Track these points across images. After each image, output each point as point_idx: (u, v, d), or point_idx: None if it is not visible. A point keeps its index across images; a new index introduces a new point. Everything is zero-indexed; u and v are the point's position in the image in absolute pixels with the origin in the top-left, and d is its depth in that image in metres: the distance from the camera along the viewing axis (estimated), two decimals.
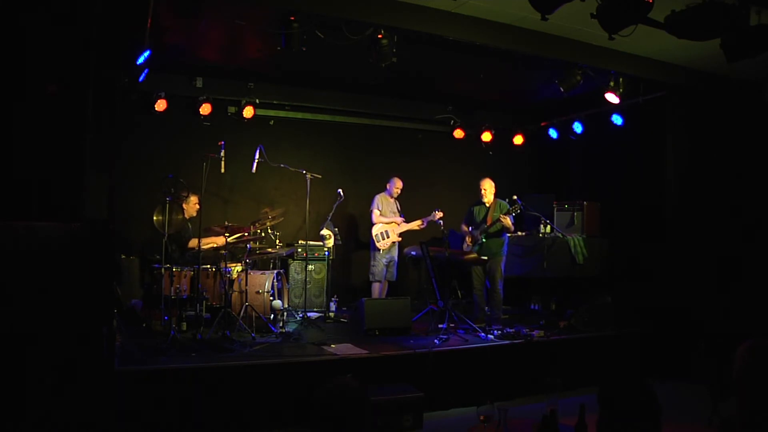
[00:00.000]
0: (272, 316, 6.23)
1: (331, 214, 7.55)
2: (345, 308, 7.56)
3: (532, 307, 7.97)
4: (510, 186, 7.45)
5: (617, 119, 7.50)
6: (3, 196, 4.10)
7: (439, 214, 7.34)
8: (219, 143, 6.03)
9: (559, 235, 7.47)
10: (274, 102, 7.96)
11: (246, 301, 5.90)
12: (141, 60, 5.35)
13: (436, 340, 5.66)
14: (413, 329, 6.20)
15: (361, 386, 2.14)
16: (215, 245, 6.13)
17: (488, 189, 6.85)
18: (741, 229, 6.51)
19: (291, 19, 5.07)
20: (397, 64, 5.45)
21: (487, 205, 6.89)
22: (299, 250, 7.52)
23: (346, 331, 6.35)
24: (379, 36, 5.26)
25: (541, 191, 8.77)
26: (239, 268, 6.18)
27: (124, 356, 4.64)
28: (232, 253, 6.34)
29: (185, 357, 4.83)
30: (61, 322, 3.93)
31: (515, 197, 6.84)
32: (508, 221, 6.55)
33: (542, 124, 8.99)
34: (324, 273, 7.63)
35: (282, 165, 6.96)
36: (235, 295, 6.05)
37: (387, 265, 7.48)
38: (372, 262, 7.52)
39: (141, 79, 5.88)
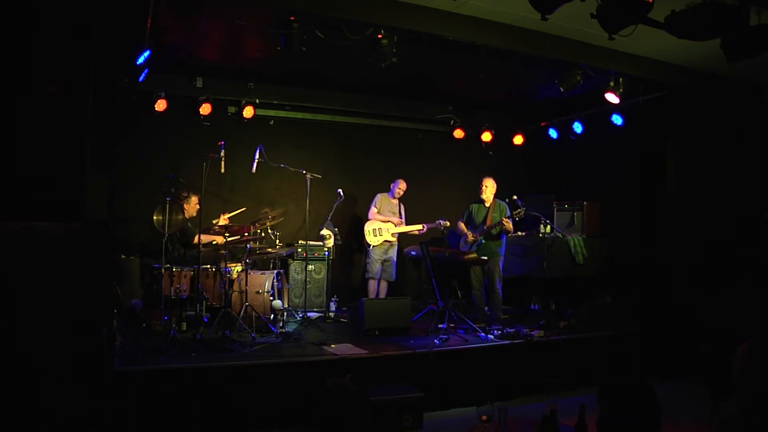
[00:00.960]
0: (272, 316, 6.23)
1: (331, 214, 7.55)
2: (345, 308, 7.56)
3: (532, 307, 7.97)
4: (510, 186, 7.45)
5: (617, 119, 7.50)
6: (3, 195, 4.10)
7: (445, 224, 7.21)
8: (219, 143, 6.03)
9: (559, 235, 7.47)
10: (274, 102, 7.96)
11: (246, 301, 5.90)
12: (141, 60, 5.35)
13: (436, 340, 5.66)
14: (413, 329, 6.19)
15: (360, 387, 2.14)
16: (216, 241, 6.14)
17: (489, 187, 6.85)
18: (741, 229, 6.51)
19: (291, 19, 5.07)
20: (397, 64, 5.45)
21: (487, 204, 6.88)
22: (299, 250, 7.52)
23: (346, 331, 6.35)
24: (379, 36, 5.26)
25: (541, 191, 8.77)
26: (239, 268, 6.18)
27: (124, 356, 4.63)
28: (232, 253, 6.34)
29: (185, 357, 4.83)
30: (61, 322, 3.93)
31: (515, 197, 6.84)
32: (509, 224, 6.55)
33: (542, 124, 8.99)
34: (324, 273, 7.63)
35: (282, 165, 6.96)
36: (235, 295, 6.05)
37: (383, 265, 7.46)
38: (367, 260, 7.54)
39: (141, 79, 5.87)
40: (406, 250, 8.10)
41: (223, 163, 6.04)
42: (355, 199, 8.28)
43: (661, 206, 7.04)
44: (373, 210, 7.53)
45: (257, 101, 7.65)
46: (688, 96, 6.79)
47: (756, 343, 2.16)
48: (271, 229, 6.59)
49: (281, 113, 8.12)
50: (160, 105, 7.13)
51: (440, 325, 6.15)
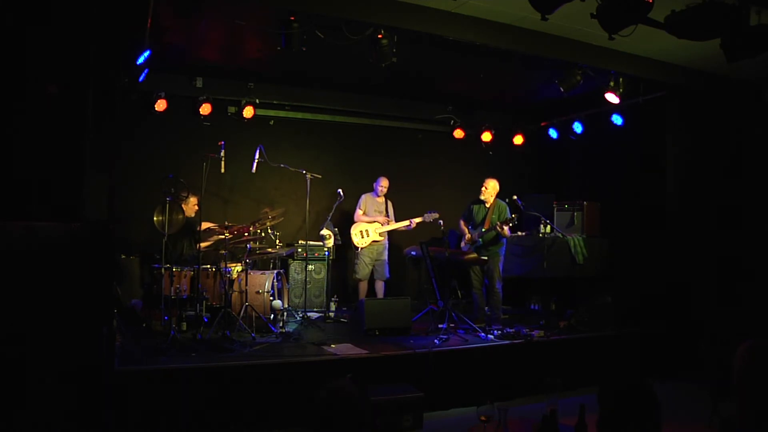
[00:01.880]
0: (272, 316, 6.23)
1: (331, 214, 7.55)
2: (345, 308, 7.56)
3: (532, 307, 7.97)
4: (510, 186, 7.45)
5: (617, 119, 7.51)
6: (3, 196, 4.10)
7: (434, 216, 7.22)
8: (219, 143, 6.03)
9: (559, 235, 7.47)
10: (274, 102, 7.96)
11: (246, 301, 5.90)
12: (141, 60, 5.35)
13: (436, 340, 5.66)
14: (413, 329, 6.19)
15: (360, 388, 2.14)
16: (216, 239, 6.14)
17: (489, 188, 6.83)
18: (741, 229, 6.51)
19: (291, 19, 5.07)
20: (397, 64, 5.45)
21: (487, 205, 6.88)
22: (299, 250, 7.52)
23: (346, 331, 6.34)
24: (379, 36, 5.25)
25: (541, 191, 8.77)
26: (239, 268, 6.18)
27: (124, 356, 4.63)
28: (232, 253, 6.34)
29: (185, 357, 4.83)
30: (61, 322, 3.93)
31: (515, 197, 6.84)
32: (505, 231, 6.54)
33: (542, 124, 9.00)
34: (324, 273, 7.63)
35: (282, 165, 6.96)
36: (235, 295, 6.05)
37: (375, 265, 7.45)
38: (356, 261, 7.50)
39: (141, 79, 5.88)
40: (406, 250, 8.10)
41: (223, 163, 6.05)
42: (355, 199, 8.28)
43: (661, 206, 7.04)
44: (359, 212, 7.49)
45: (257, 101, 7.64)
46: (688, 96, 6.79)
47: (756, 343, 2.16)
48: (271, 229, 6.58)
49: (281, 113, 8.12)
50: (160, 105, 7.12)
51: (440, 325, 6.14)
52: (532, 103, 8.77)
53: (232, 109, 7.77)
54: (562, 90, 6.34)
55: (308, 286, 7.35)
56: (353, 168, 8.52)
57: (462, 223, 7.03)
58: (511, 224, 6.53)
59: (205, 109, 7.37)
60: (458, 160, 9.09)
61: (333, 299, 7.48)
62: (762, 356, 2.11)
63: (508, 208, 6.86)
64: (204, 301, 5.93)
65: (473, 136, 8.95)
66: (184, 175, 5.89)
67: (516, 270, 7.51)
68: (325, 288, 7.59)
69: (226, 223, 6.34)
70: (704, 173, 6.77)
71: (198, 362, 4.71)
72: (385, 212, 7.55)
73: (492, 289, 6.79)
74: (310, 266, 7.51)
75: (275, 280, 6.33)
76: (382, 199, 7.59)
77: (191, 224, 6.12)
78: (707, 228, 6.67)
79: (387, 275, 7.53)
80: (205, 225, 6.10)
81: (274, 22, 5.24)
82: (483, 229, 6.73)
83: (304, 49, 5.19)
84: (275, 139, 7.74)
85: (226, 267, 6.02)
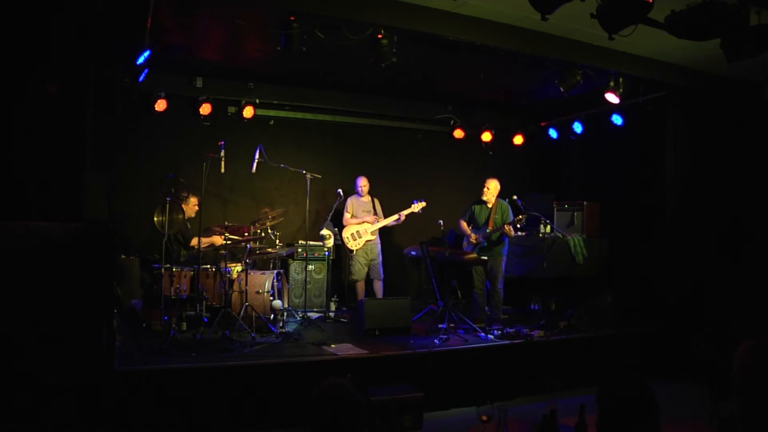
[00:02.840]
0: (272, 316, 6.23)
1: (331, 214, 7.55)
2: (345, 308, 7.55)
3: (532, 307, 7.96)
4: (510, 186, 7.45)
5: (617, 119, 7.51)
6: (3, 196, 4.11)
7: (421, 204, 7.24)
8: (219, 143, 6.03)
9: (559, 235, 7.47)
10: (274, 102, 7.96)
11: (246, 301, 5.90)
12: (141, 60, 5.35)
13: (436, 340, 5.66)
14: (413, 329, 6.19)
15: (357, 386, 2.14)
16: (214, 244, 6.14)
17: (491, 189, 6.83)
18: (741, 229, 6.51)
19: (291, 19, 5.07)
20: (397, 64, 5.45)
21: (489, 205, 6.88)
22: (299, 250, 7.51)
23: (346, 331, 6.34)
24: (379, 36, 5.25)
25: (541, 191, 8.77)
26: (239, 268, 6.18)
27: (124, 356, 4.64)
28: (232, 253, 6.34)
29: (185, 357, 4.83)
30: (60, 322, 3.93)
31: (515, 197, 6.84)
32: (510, 231, 6.54)
33: (542, 124, 9.00)
34: (324, 273, 7.63)
35: (282, 165, 6.97)
36: (235, 295, 6.05)
37: (370, 265, 7.43)
38: (351, 262, 7.48)
39: (141, 79, 5.88)
40: (406, 250, 8.09)
41: (223, 163, 6.05)
42: None
43: (661, 206, 7.04)
44: (347, 216, 7.46)
45: (257, 101, 7.64)
46: (688, 96, 6.79)
47: (756, 343, 2.15)
48: (271, 229, 6.58)
49: (281, 113, 8.12)
50: (160, 105, 7.12)
51: (440, 325, 6.14)
52: (532, 103, 8.76)
53: (232, 109, 7.77)
54: (562, 90, 6.33)
55: (308, 286, 7.35)
56: (353, 168, 8.50)
57: (463, 223, 7.02)
58: (519, 225, 6.54)
59: (205, 109, 7.36)
60: (458, 160, 9.09)
61: (333, 299, 7.48)
62: (762, 356, 2.11)
63: (510, 208, 6.86)
64: (204, 301, 5.92)
65: (473, 136, 8.95)
66: (184, 175, 5.89)
67: (516, 270, 7.51)
68: (325, 288, 7.59)
69: (226, 223, 6.33)
70: (704, 173, 6.77)
71: (198, 362, 4.71)
72: (373, 211, 7.54)
73: (494, 290, 6.80)
74: (310, 266, 7.51)
75: (275, 280, 6.33)
76: (367, 198, 7.56)
77: (183, 230, 6.11)
78: (707, 228, 6.67)
79: (382, 274, 7.52)
80: (205, 241, 6.09)
81: (274, 22, 5.24)
82: (488, 230, 6.73)
83: (304, 49, 5.19)
84: (275, 139, 7.74)
85: (226, 267, 6.02)
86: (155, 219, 5.51)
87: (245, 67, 7.22)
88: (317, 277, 7.63)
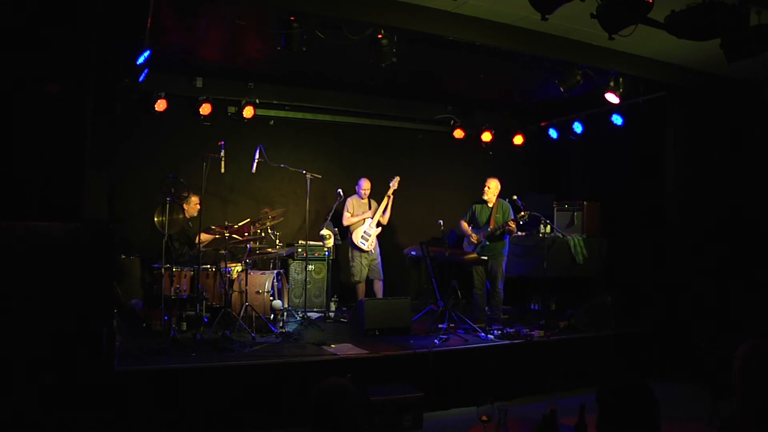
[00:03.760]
0: (272, 316, 6.23)
1: (330, 214, 7.55)
2: (345, 308, 7.55)
3: (532, 307, 7.96)
4: (510, 186, 7.45)
5: (617, 119, 7.50)
6: (3, 196, 4.11)
7: (396, 180, 7.31)
8: (219, 143, 6.03)
9: (559, 235, 7.47)
10: (274, 102, 7.96)
11: (246, 301, 5.90)
12: (141, 60, 5.35)
13: (436, 340, 5.66)
14: (413, 329, 6.19)
15: (355, 386, 2.14)
16: (216, 237, 6.14)
17: (491, 188, 6.84)
18: (741, 229, 6.51)
19: (291, 19, 5.07)
20: (397, 64, 5.45)
21: (490, 205, 6.88)
22: (299, 250, 7.51)
23: (346, 331, 6.34)
24: (379, 36, 5.25)
25: (541, 191, 8.76)
26: (239, 268, 6.18)
27: (124, 356, 4.64)
28: (232, 253, 6.34)
29: (185, 357, 4.83)
30: (61, 322, 3.93)
31: (515, 197, 6.84)
32: (513, 226, 6.54)
33: (542, 124, 8.99)
34: (324, 273, 7.63)
35: (282, 165, 6.97)
36: (235, 295, 6.05)
37: (368, 266, 7.41)
38: (351, 263, 7.46)
39: (141, 79, 5.87)
40: (406, 250, 8.08)
41: (223, 163, 6.05)
42: None
43: (661, 206, 7.04)
44: (347, 215, 7.45)
45: (257, 101, 7.64)
46: (688, 96, 6.79)
47: (756, 343, 2.16)
48: (271, 229, 6.58)
49: (281, 113, 8.12)
50: (160, 105, 7.12)
51: (440, 325, 6.15)
52: (532, 103, 8.76)
53: (232, 109, 7.77)
54: (562, 90, 6.33)
55: (308, 286, 7.36)
56: (353, 168, 8.51)
57: (464, 224, 7.02)
58: (522, 222, 6.53)
59: (205, 109, 7.36)
60: (458, 160, 9.08)
61: (333, 299, 7.48)
62: (762, 356, 2.11)
63: (510, 208, 6.87)
64: (204, 301, 5.93)
65: (473, 136, 8.94)
66: (184, 175, 5.89)
67: (516, 270, 7.51)
68: (325, 288, 7.59)
69: (226, 223, 6.34)
70: (704, 173, 6.77)
71: (198, 362, 4.71)
72: (369, 209, 7.52)
73: (495, 290, 6.80)
74: (310, 266, 7.51)
75: (275, 280, 6.33)
76: (365, 201, 7.56)
77: (185, 229, 6.11)
78: (707, 228, 6.66)
79: (382, 274, 7.53)
80: (205, 237, 6.10)
81: (274, 22, 5.23)
82: (489, 229, 6.73)
83: (304, 49, 5.19)
84: (275, 139, 7.73)
85: (226, 267, 6.02)
86: (155, 219, 5.52)
87: (245, 67, 7.22)
88: (317, 277, 7.63)
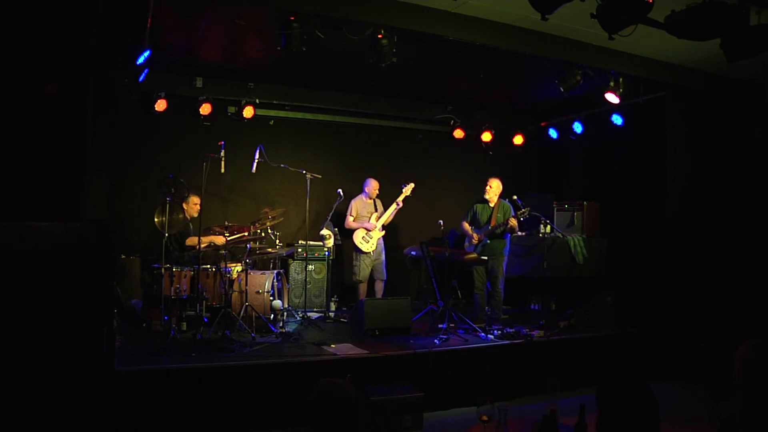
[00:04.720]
0: (272, 316, 6.23)
1: (330, 214, 7.55)
2: (345, 308, 7.55)
3: (532, 307, 7.97)
4: (510, 186, 7.45)
5: (617, 119, 7.50)
6: (3, 196, 4.11)
7: (410, 187, 7.29)
8: (219, 143, 6.03)
9: (559, 235, 7.47)
10: (274, 102, 7.96)
11: (246, 301, 5.90)
12: (141, 60, 5.35)
13: (436, 340, 5.66)
14: (413, 329, 6.19)
15: (355, 386, 2.14)
16: (214, 243, 6.14)
17: (493, 188, 6.84)
18: (741, 229, 6.51)
19: (291, 19, 5.07)
20: (397, 64, 5.45)
21: (491, 205, 6.88)
22: (299, 250, 7.51)
23: (346, 331, 6.34)
24: (379, 36, 5.26)
25: (541, 191, 8.77)
26: (239, 268, 6.18)
27: (124, 356, 4.64)
28: (232, 253, 6.34)
29: (185, 357, 4.83)
30: (61, 322, 3.93)
31: (515, 197, 6.84)
32: (515, 222, 6.54)
33: (542, 124, 9.00)
34: (324, 273, 7.63)
35: (282, 165, 6.97)
36: (235, 295, 6.05)
37: (374, 265, 7.42)
38: (354, 263, 7.46)
39: (141, 79, 5.88)
40: (406, 250, 8.08)
41: (223, 163, 6.04)
42: None
43: (661, 206, 7.04)
44: (349, 219, 7.44)
45: (257, 101, 7.64)
46: (688, 96, 6.79)
47: (756, 343, 2.16)
48: (271, 229, 6.58)
49: (281, 113, 8.12)
50: (160, 105, 7.12)
51: (440, 325, 6.15)
52: (532, 103, 8.77)
53: (232, 109, 7.77)
54: (562, 90, 6.34)
55: (308, 286, 7.35)
56: (353, 168, 8.52)
57: (466, 225, 7.02)
58: (522, 219, 6.53)
59: (205, 109, 7.37)
60: (458, 160, 9.09)
61: (333, 299, 7.48)
62: (762, 356, 2.11)
63: (511, 208, 6.87)
64: (204, 301, 5.92)
65: (473, 136, 8.95)
66: (184, 175, 5.89)
67: (516, 270, 7.51)
68: (325, 288, 7.59)
69: (226, 223, 6.34)
70: (704, 173, 6.77)
71: (198, 362, 4.71)
72: (375, 211, 7.52)
73: (495, 290, 6.80)
74: (310, 266, 7.51)
75: (275, 280, 6.33)
76: (371, 201, 7.55)
77: (182, 229, 6.11)
78: (707, 228, 6.67)
79: (385, 275, 7.52)
80: (204, 239, 6.09)
81: (274, 22, 5.24)
82: (491, 226, 6.72)
83: (304, 49, 5.19)
84: (275, 139, 7.73)
85: (226, 267, 6.02)
86: (155, 219, 5.51)
87: (245, 67, 7.22)
88: (317, 277, 7.63)
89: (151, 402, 4.30)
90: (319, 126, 8.43)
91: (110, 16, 4.50)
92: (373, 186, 7.50)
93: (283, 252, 7.07)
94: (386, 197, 7.76)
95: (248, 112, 7.57)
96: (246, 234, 6.23)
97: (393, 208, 7.39)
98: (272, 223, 6.44)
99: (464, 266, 7.02)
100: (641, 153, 7.61)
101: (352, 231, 7.45)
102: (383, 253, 7.49)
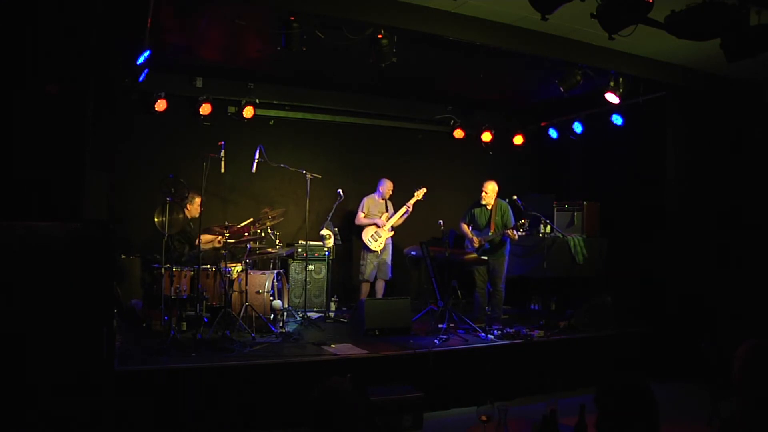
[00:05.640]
0: (272, 316, 6.23)
1: (331, 214, 7.55)
2: (345, 308, 7.56)
3: (532, 307, 7.97)
4: (510, 186, 7.45)
5: (617, 119, 7.50)
6: (3, 196, 4.10)
7: (422, 191, 7.29)
8: (219, 143, 6.03)
9: (559, 235, 7.47)
10: (274, 102, 7.96)
11: (246, 301, 5.90)
12: (141, 60, 5.35)
13: (436, 340, 5.66)
14: (413, 329, 6.20)
15: (355, 386, 2.14)
16: (216, 243, 6.14)
17: (489, 193, 6.83)
18: (741, 229, 6.51)
19: (291, 19, 5.07)
20: (397, 64, 5.45)
21: (489, 207, 6.87)
22: (299, 250, 7.52)
23: (346, 331, 6.35)
24: (379, 36, 5.25)
25: (541, 191, 8.77)
26: (239, 268, 6.18)
27: (124, 356, 4.64)
28: (232, 253, 6.34)
29: (185, 357, 4.83)
30: (61, 322, 3.92)
31: (515, 197, 6.84)
32: (514, 234, 6.54)
33: (542, 124, 8.99)
34: (324, 273, 7.63)
35: (282, 165, 6.97)
36: (235, 295, 6.05)
37: (379, 265, 7.43)
38: (362, 261, 7.47)
39: (141, 79, 5.88)
40: (406, 250, 8.08)
41: (223, 163, 6.04)
42: (355, 199, 8.26)
43: (661, 206, 7.04)
44: (360, 215, 7.46)
45: (257, 101, 7.64)
46: (688, 96, 6.79)
47: (756, 343, 2.16)
48: (271, 229, 6.59)
49: (281, 113, 8.12)
50: (160, 105, 7.12)
51: (440, 325, 6.15)
52: (532, 103, 8.77)
53: (232, 109, 7.77)
54: (562, 90, 6.33)
55: (308, 286, 7.36)
56: (353, 168, 8.53)
57: (464, 226, 7.02)
58: (522, 230, 6.53)
59: (205, 109, 7.37)
60: (458, 160, 9.09)
61: (333, 299, 7.48)
62: (762, 356, 2.11)
63: (509, 208, 6.87)
64: (204, 301, 5.92)
65: (473, 136, 8.95)
66: (184, 175, 5.89)
67: (516, 270, 7.51)
68: (325, 288, 7.59)
69: (226, 223, 6.34)
70: (704, 173, 6.77)
71: (198, 362, 4.71)
72: (386, 210, 7.54)
73: (495, 290, 6.81)
74: (310, 266, 7.51)
75: (275, 280, 6.33)
76: (383, 201, 7.58)
77: (185, 230, 6.12)
78: (707, 228, 6.66)
79: (390, 275, 7.53)
80: (207, 241, 6.11)
81: (274, 22, 5.24)
82: (490, 233, 6.73)
83: (304, 49, 5.19)
84: (275, 139, 7.73)
85: (226, 267, 6.02)
86: (156, 219, 5.51)
87: (245, 67, 7.22)
88: (317, 277, 7.63)
89: (151, 402, 4.30)
90: (319, 126, 8.43)
91: (110, 17, 4.50)
92: (387, 186, 7.52)
93: (283, 252, 7.07)
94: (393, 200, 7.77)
95: (248, 112, 7.57)
96: (246, 234, 6.22)
97: (403, 210, 7.42)
98: (272, 223, 6.45)
99: (464, 266, 7.02)
100: (641, 153, 7.61)
101: (360, 229, 7.45)
102: (390, 253, 7.51)
